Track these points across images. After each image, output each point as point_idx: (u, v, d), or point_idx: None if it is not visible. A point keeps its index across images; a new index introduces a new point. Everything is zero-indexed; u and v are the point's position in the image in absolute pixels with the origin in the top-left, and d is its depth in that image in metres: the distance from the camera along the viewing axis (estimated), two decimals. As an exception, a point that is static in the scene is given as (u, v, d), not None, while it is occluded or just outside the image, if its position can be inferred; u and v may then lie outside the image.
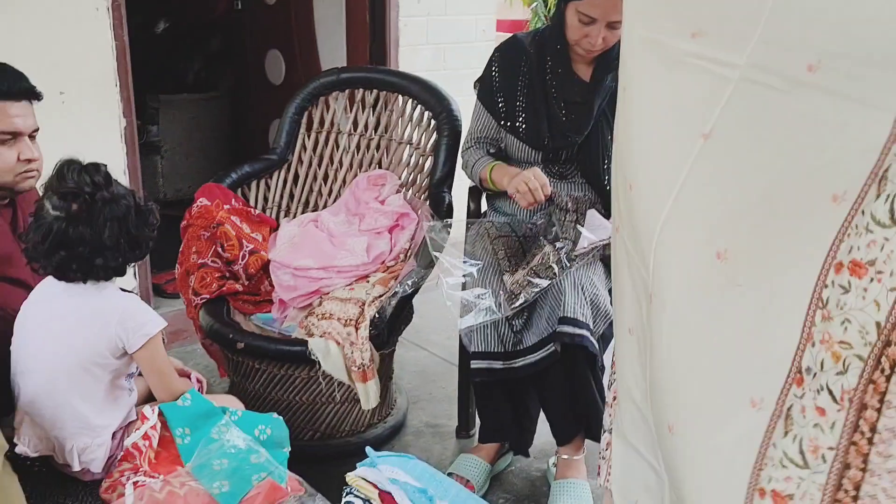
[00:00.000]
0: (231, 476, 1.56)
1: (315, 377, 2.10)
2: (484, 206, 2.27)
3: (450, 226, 2.09)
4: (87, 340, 1.56)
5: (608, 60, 2.00)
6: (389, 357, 2.24)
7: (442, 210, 2.20)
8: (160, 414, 1.64)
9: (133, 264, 1.63)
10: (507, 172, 2.04)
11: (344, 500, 1.49)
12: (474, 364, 1.94)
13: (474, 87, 2.17)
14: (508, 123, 2.09)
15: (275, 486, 1.56)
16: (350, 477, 1.53)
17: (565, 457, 2.01)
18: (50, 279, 1.60)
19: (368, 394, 2.06)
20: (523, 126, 2.07)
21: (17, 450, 1.56)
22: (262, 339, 2.08)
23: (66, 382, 1.56)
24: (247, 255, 2.30)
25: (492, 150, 2.15)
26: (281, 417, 1.71)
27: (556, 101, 2.04)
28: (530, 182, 1.92)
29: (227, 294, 2.25)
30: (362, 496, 1.48)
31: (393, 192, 2.37)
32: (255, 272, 2.30)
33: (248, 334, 2.09)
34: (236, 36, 4.08)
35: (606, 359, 2.03)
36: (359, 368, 2.03)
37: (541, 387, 1.99)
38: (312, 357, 2.02)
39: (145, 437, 1.61)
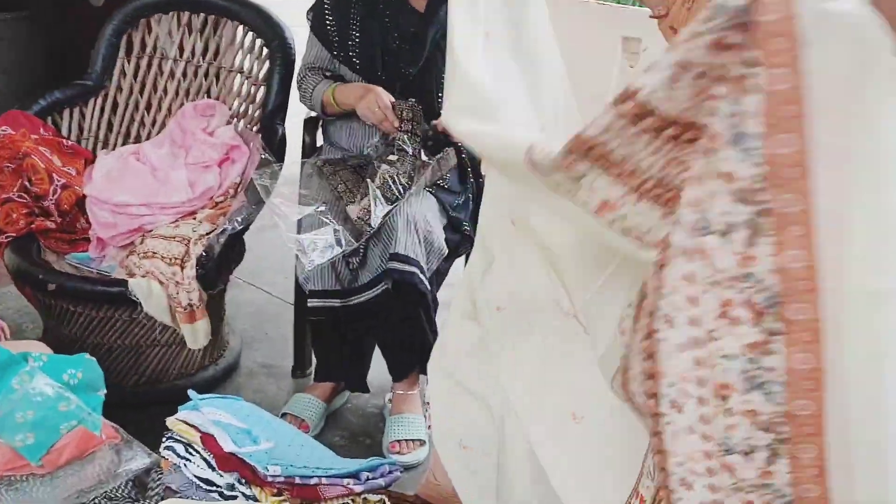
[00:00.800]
0: (36, 427, 1.44)
1: (137, 319, 1.97)
2: (320, 140, 2.19)
3: (279, 170, 2.01)
4: None
5: None
6: (220, 296, 2.14)
7: (275, 143, 2.11)
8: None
9: None
10: (351, 92, 1.98)
11: (164, 446, 1.42)
12: (311, 303, 1.89)
13: (307, 17, 2.06)
14: (342, 54, 2.02)
15: (87, 435, 1.46)
16: (171, 421, 1.46)
17: (400, 392, 2.02)
18: None
19: (197, 334, 1.97)
20: (357, 59, 2.01)
21: None
22: (77, 280, 1.93)
23: None
24: (59, 190, 2.11)
25: (328, 75, 2.07)
26: (93, 358, 1.59)
27: (389, 32, 1.98)
28: (380, 102, 1.90)
29: (36, 232, 2.06)
30: (184, 440, 1.41)
31: (223, 123, 2.24)
32: (69, 208, 2.13)
33: (62, 275, 1.93)
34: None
35: (441, 294, 2.05)
36: (185, 309, 1.93)
37: (375, 324, 1.97)
38: (133, 298, 1.90)
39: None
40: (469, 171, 2.09)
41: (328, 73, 2.07)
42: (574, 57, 2.12)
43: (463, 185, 2.09)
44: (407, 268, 1.85)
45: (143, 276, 1.92)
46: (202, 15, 2.29)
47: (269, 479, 1.30)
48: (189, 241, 1.99)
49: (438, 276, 2.02)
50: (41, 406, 1.47)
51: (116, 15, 2.27)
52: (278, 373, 2.27)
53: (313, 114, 2.15)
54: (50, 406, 1.47)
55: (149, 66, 2.32)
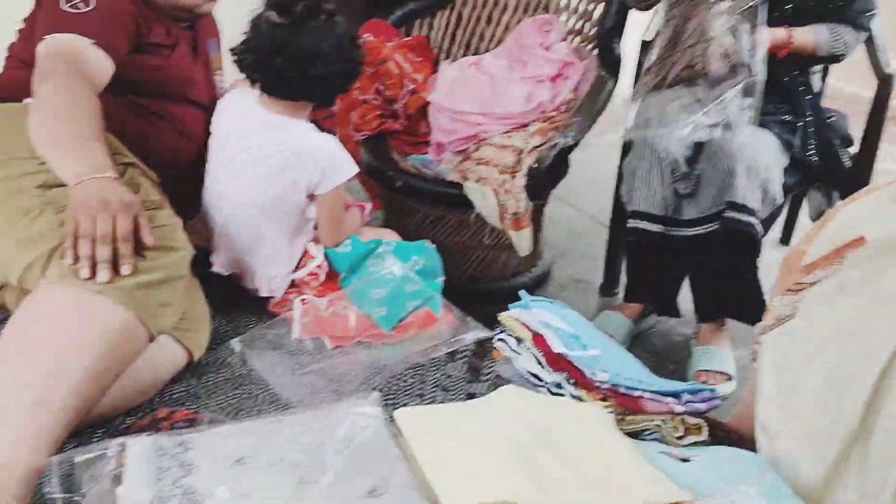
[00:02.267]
0: (389, 302, 1.63)
1: (467, 221, 2.12)
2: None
3: (613, 86, 2.01)
4: (287, 181, 1.59)
5: None
6: (541, 209, 2.23)
7: (611, 61, 2.11)
8: (326, 257, 1.71)
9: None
10: None
11: (497, 338, 1.54)
12: (632, 223, 1.91)
13: None
14: None
15: (430, 315, 1.63)
16: (503, 316, 1.56)
17: (705, 326, 1.99)
18: (242, 100, 1.65)
19: (522, 241, 2.07)
20: None
21: (214, 269, 1.67)
22: (420, 180, 2.11)
23: (262, 216, 1.62)
24: (407, 95, 2.30)
25: None
26: (433, 247, 1.75)
27: None
28: None
29: (386, 132, 2.28)
30: (515, 335, 1.51)
31: (559, 39, 2.28)
32: (415, 112, 2.31)
33: (408, 174, 2.13)
34: None
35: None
36: (513, 216, 2.04)
37: (695, 259, 1.94)
38: (469, 199, 2.03)
39: (312, 274, 1.69)
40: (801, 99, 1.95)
41: None
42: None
43: (797, 115, 1.95)
44: (744, 217, 1.80)
45: (477, 182, 2.06)
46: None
47: (597, 384, 1.35)
48: (521, 151, 2.08)
49: (765, 223, 1.93)
50: (391, 283, 1.66)
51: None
52: (588, 288, 2.33)
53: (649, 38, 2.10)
54: (399, 285, 1.65)
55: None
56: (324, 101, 1.66)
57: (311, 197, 1.64)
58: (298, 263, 1.68)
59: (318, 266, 1.66)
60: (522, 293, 1.61)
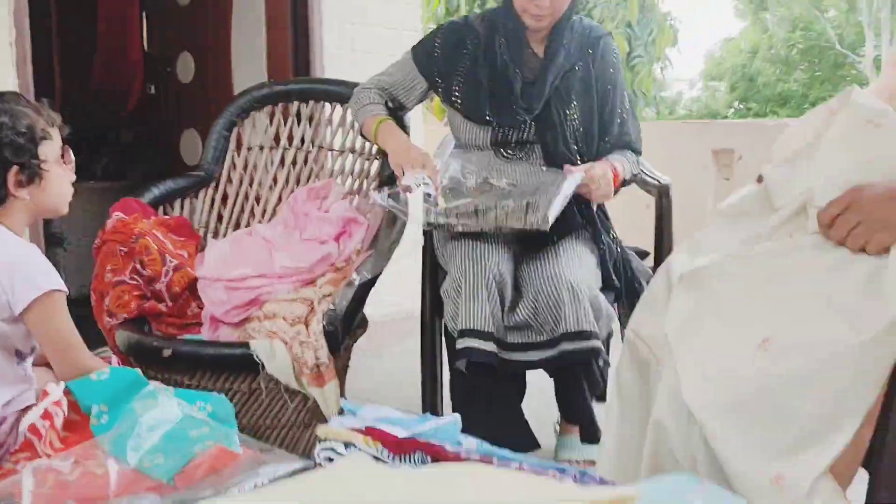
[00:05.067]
0: (166, 448, 1.21)
1: (259, 391, 1.76)
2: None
3: (406, 220, 1.89)
4: None
5: (560, 36, 1.91)
6: (346, 362, 1.93)
7: (398, 202, 1.98)
8: (67, 392, 1.30)
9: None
10: (395, 137, 1.91)
11: (320, 452, 1.17)
12: (461, 343, 1.69)
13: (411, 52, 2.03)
14: (445, 92, 1.97)
15: (225, 452, 1.22)
16: (323, 430, 1.20)
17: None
18: None
19: (328, 398, 1.74)
20: (460, 100, 1.94)
21: None
22: (194, 344, 1.76)
23: None
24: (170, 272, 1.99)
25: (390, 105, 2.01)
26: (223, 396, 1.39)
27: (509, 77, 1.91)
28: (418, 165, 1.80)
29: (148, 314, 1.92)
30: (342, 441, 1.16)
31: (338, 199, 2.15)
32: (181, 291, 1.99)
33: (177, 340, 1.76)
34: (151, 121, 3.90)
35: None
36: (311, 371, 1.72)
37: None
38: (256, 359, 1.70)
39: (46, 415, 1.26)
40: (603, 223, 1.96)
41: (391, 103, 2.01)
42: (672, 172, 2.08)
43: (600, 239, 1.93)
44: (582, 344, 1.69)
45: (266, 337, 1.74)
46: (310, 102, 2.28)
47: (464, 455, 1.04)
48: (312, 301, 1.83)
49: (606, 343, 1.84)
50: (169, 426, 1.25)
51: (228, 108, 2.27)
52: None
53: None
54: (180, 427, 1.25)
55: (258, 156, 2.28)
56: None
57: (19, 324, 1.30)
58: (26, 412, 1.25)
59: (56, 404, 1.22)
60: (343, 402, 1.30)
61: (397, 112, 2.02)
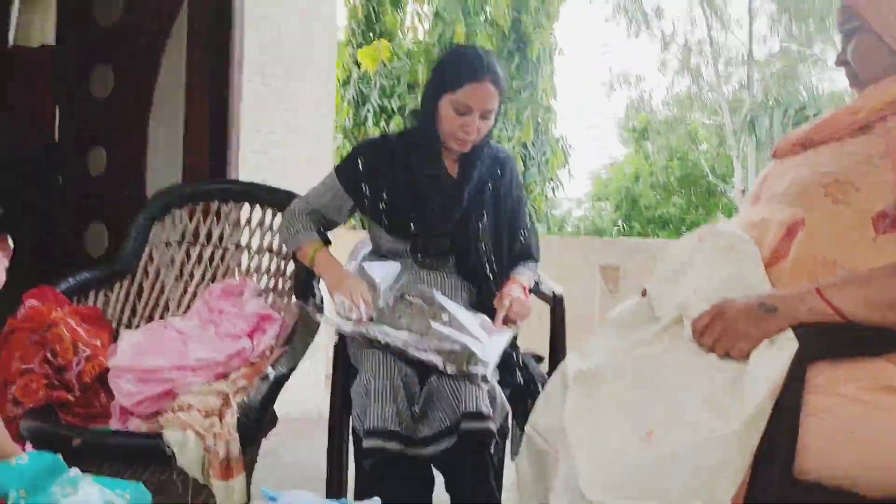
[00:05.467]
0: (87, 533, 1.24)
1: (167, 482, 1.78)
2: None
3: (319, 322, 2.01)
4: None
5: (473, 158, 2.09)
6: (254, 457, 1.96)
7: (314, 303, 2.10)
8: (-15, 477, 1.31)
9: None
10: (332, 268, 2.02)
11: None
12: (367, 443, 1.76)
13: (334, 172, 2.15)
14: (372, 211, 2.08)
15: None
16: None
17: None
18: None
19: (233, 493, 1.77)
20: (387, 218, 2.08)
21: None
22: (105, 435, 1.77)
23: None
24: (82, 361, 2.00)
25: (319, 228, 2.12)
26: (141, 483, 1.42)
27: (427, 192, 2.07)
28: (355, 297, 1.91)
29: (55, 404, 1.92)
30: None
31: (253, 297, 2.23)
32: (91, 381, 2.00)
33: (87, 430, 1.77)
34: (56, 212, 3.85)
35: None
36: (222, 463, 1.76)
37: (446, 479, 1.85)
38: (167, 449, 1.73)
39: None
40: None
41: (320, 226, 2.12)
42: (563, 284, 2.30)
43: None
44: (480, 424, 1.79)
45: (179, 428, 1.78)
46: (229, 202, 2.39)
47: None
48: (227, 394, 1.88)
49: (501, 434, 1.92)
50: (91, 512, 1.28)
51: (148, 205, 2.34)
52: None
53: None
54: (101, 512, 1.28)
55: (176, 252, 2.35)
56: None
57: None
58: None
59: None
60: (264, 490, 1.36)
61: (326, 233, 2.13)
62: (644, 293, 1.46)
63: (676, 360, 1.21)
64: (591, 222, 19.70)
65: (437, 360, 1.82)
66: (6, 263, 1.53)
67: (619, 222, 19.05)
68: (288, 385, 1.94)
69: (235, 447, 1.77)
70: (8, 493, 1.29)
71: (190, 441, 1.76)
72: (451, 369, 1.83)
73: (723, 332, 1.19)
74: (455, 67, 2.00)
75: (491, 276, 2.09)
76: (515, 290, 2.06)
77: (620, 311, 1.46)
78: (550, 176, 10.00)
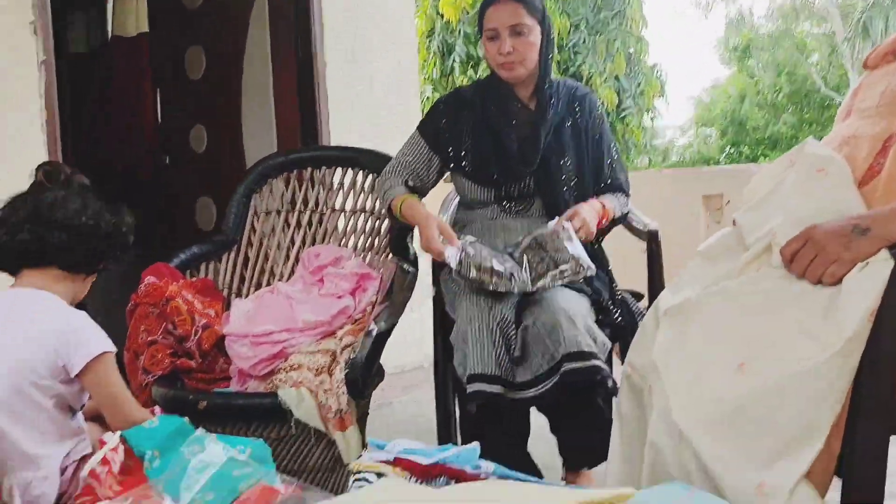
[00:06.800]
0: (214, 487, 1.35)
1: (286, 439, 1.89)
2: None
3: (416, 273, 2.06)
4: (22, 355, 1.40)
5: (545, 92, 2.06)
6: (365, 410, 2.06)
7: (408, 258, 2.15)
8: (123, 440, 1.44)
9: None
10: (417, 213, 2.01)
11: (355, 486, 1.30)
12: (470, 388, 1.79)
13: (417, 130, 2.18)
14: (454, 161, 2.10)
15: (268, 489, 1.35)
16: (356, 464, 1.34)
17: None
18: None
19: (349, 443, 1.86)
20: (469, 166, 2.09)
21: None
22: (227, 396, 1.89)
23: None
24: (199, 331, 2.13)
25: (410, 183, 2.13)
26: (262, 440, 1.52)
27: (503, 136, 2.07)
28: (432, 245, 1.90)
29: (180, 370, 2.06)
30: (375, 473, 1.29)
31: (350, 257, 2.30)
32: (210, 349, 2.13)
33: (211, 393, 1.90)
34: (166, 189, 4.08)
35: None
36: (336, 415, 1.86)
37: (552, 416, 1.88)
38: (284, 407, 1.83)
39: (104, 462, 1.39)
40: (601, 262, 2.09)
41: (412, 181, 2.13)
42: (665, 217, 2.23)
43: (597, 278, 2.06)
44: (584, 363, 1.76)
45: (291, 387, 1.88)
46: (321, 168, 2.46)
47: (483, 476, 1.17)
48: (334, 351, 1.97)
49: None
50: (216, 469, 1.38)
51: (247, 176, 2.44)
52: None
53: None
54: (226, 469, 1.38)
55: (276, 220, 2.45)
56: (76, 267, 1.57)
57: (74, 383, 1.46)
58: (84, 462, 1.39)
59: (114, 450, 1.35)
60: (370, 440, 1.43)
61: (420, 189, 2.15)
62: (734, 223, 1.43)
63: (767, 290, 1.19)
64: (696, 150, 19.04)
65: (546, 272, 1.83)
66: None
67: (727, 147, 18.33)
68: (397, 340, 2.00)
69: (345, 400, 1.86)
70: (144, 453, 1.42)
71: (304, 396, 1.85)
72: (564, 277, 1.83)
73: (814, 258, 1.16)
74: (481, 5, 2.04)
75: None
76: (587, 210, 1.99)
77: (710, 243, 1.43)
78: (647, 106, 9.70)
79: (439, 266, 2.07)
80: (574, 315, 1.83)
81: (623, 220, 2.18)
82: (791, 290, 1.17)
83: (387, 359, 2.01)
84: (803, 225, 1.20)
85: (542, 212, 2.10)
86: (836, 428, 1.11)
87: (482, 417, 1.84)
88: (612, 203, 2.10)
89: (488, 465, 1.18)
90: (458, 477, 1.18)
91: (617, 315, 2.03)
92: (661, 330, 1.28)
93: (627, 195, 2.18)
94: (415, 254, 2.19)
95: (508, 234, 2.05)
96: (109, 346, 1.51)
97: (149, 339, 2.09)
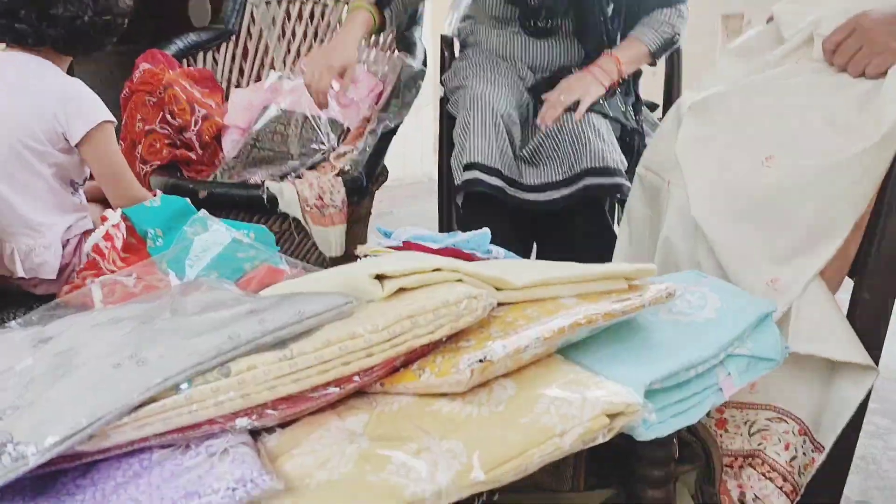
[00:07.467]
0: (219, 266, 1.34)
1: (287, 231, 1.88)
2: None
3: (424, 71, 1.96)
4: (20, 118, 1.34)
5: None
6: (369, 205, 2.03)
7: (414, 53, 2.05)
8: (125, 218, 1.41)
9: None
10: (345, 30, 1.78)
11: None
12: (467, 175, 1.66)
13: None
14: None
15: (273, 270, 1.35)
16: (361, 248, 1.33)
17: None
18: None
19: (329, 240, 1.84)
20: None
21: None
22: (227, 186, 1.86)
23: None
24: (199, 121, 2.07)
25: None
26: (264, 226, 1.50)
27: None
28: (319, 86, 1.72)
29: (179, 161, 2.02)
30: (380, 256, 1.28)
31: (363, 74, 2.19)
32: (210, 140, 2.08)
33: (209, 183, 1.87)
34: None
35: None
36: (311, 208, 1.81)
37: (561, 232, 1.79)
38: (264, 197, 1.78)
39: (107, 237, 1.38)
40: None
41: None
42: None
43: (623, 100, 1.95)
44: (608, 180, 1.65)
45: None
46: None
47: (493, 259, 1.16)
48: (341, 153, 1.92)
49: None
50: (220, 249, 1.37)
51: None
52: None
53: (448, 32, 2.07)
54: (230, 250, 1.37)
55: (277, 10, 2.32)
56: (73, 50, 1.52)
57: (73, 154, 1.42)
58: (87, 235, 1.37)
59: (116, 226, 1.34)
60: (377, 226, 1.41)
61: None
62: (770, 18, 1.34)
63: (801, 81, 1.12)
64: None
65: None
66: None
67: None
68: (399, 152, 1.94)
69: (338, 197, 1.82)
70: (146, 231, 1.40)
71: (285, 189, 1.81)
72: None
73: (860, 47, 1.08)
74: None
75: (606, 40, 1.87)
76: (579, 85, 1.80)
77: (743, 38, 1.35)
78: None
79: (447, 63, 1.97)
80: (601, 128, 1.74)
81: (671, 45, 1.93)
82: (827, 83, 1.11)
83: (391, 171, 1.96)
84: (849, 14, 1.12)
85: (570, 34, 1.90)
86: (855, 228, 1.09)
87: (475, 206, 1.72)
88: (636, 49, 1.87)
89: (499, 251, 1.16)
90: (470, 260, 1.16)
91: (631, 120, 1.92)
92: (684, 125, 1.22)
93: (680, 3, 1.89)
94: (424, 50, 2.09)
95: (529, 56, 1.91)
96: (109, 116, 1.46)
97: (146, 128, 2.03)
